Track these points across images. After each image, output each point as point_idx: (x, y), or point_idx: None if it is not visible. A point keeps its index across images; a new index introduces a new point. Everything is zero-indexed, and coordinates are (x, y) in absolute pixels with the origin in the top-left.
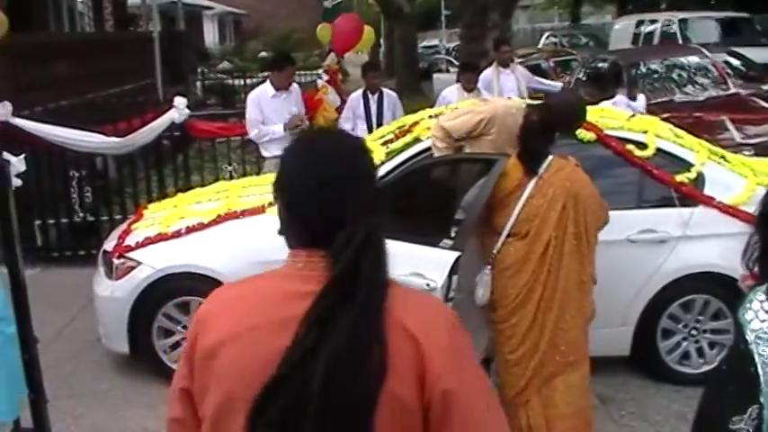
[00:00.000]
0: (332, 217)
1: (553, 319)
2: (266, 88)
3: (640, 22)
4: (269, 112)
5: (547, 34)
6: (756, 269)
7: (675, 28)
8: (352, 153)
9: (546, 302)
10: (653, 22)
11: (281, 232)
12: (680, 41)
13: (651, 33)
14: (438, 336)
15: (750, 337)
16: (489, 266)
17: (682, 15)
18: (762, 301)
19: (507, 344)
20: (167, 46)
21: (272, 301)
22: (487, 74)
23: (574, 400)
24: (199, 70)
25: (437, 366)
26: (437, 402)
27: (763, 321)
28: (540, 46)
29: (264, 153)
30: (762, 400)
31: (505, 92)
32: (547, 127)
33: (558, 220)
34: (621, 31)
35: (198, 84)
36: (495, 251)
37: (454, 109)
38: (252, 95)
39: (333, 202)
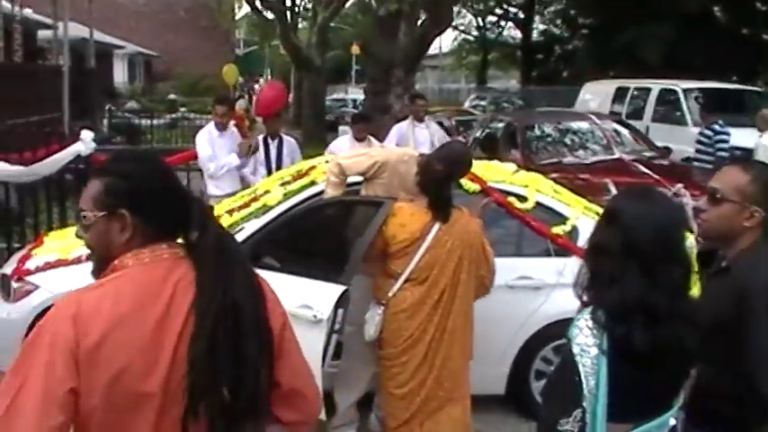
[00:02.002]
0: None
1: (441, 358)
2: (211, 129)
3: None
4: (219, 148)
5: (473, 96)
6: (585, 298)
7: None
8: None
9: (436, 343)
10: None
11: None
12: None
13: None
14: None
15: (576, 349)
16: (382, 307)
17: (687, 84)
18: (587, 320)
19: (395, 379)
20: (76, 81)
21: (145, 286)
22: (403, 127)
23: None
24: (107, 107)
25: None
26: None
27: (587, 337)
28: (466, 106)
29: (215, 192)
30: (584, 404)
31: (419, 145)
32: (449, 176)
33: (455, 269)
34: (595, 95)
35: (105, 121)
36: (390, 294)
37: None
38: (202, 135)
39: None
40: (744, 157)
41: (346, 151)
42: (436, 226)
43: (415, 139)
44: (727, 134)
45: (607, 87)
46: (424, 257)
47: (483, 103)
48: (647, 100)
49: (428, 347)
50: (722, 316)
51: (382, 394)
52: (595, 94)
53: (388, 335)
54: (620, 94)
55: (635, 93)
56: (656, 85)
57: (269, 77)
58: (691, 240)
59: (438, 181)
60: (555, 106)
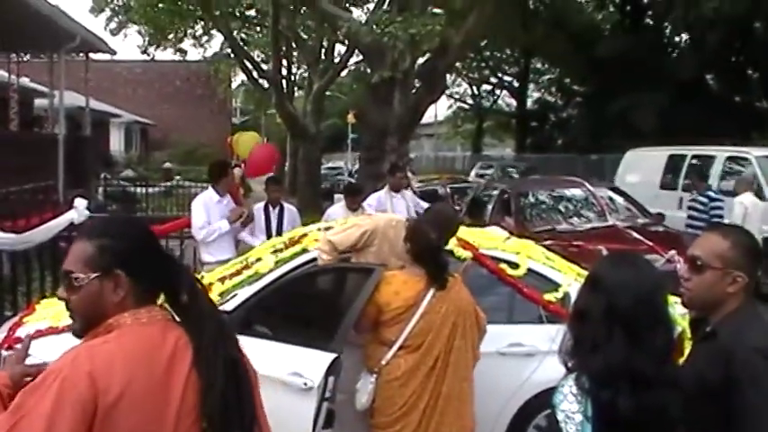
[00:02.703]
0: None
1: (434, 425)
2: (211, 195)
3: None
4: (214, 216)
5: (479, 164)
6: (570, 364)
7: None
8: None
9: (430, 410)
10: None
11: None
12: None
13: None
14: None
15: (561, 416)
16: (375, 375)
17: (761, 152)
18: (571, 386)
19: None
20: (72, 149)
21: (149, 345)
22: (381, 196)
23: None
24: (102, 176)
25: None
26: None
27: (571, 403)
28: (472, 175)
29: (209, 258)
30: None
31: (397, 214)
32: (442, 241)
33: (449, 335)
34: (640, 164)
35: (100, 189)
36: (384, 362)
37: (342, 223)
38: (199, 201)
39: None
40: (720, 223)
41: (340, 219)
42: (430, 292)
43: (392, 209)
44: (722, 201)
45: (655, 155)
46: (419, 324)
47: (489, 171)
48: (709, 170)
49: (422, 415)
50: (708, 381)
51: None
52: (640, 164)
53: (380, 403)
54: (674, 163)
55: (693, 161)
56: (720, 153)
57: None
58: (680, 306)
59: (432, 249)
60: (560, 173)
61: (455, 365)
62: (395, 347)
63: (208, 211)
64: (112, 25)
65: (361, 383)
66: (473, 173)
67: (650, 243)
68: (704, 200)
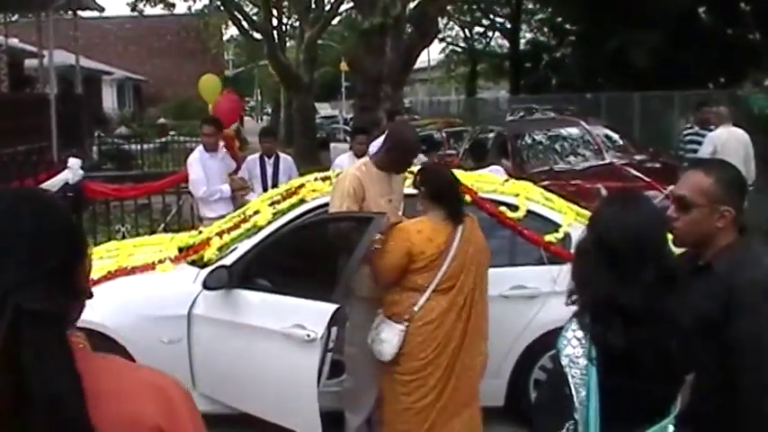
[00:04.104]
0: None
1: (460, 366)
2: (201, 150)
3: None
4: (210, 170)
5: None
6: (571, 303)
7: None
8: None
9: (458, 349)
10: None
11: None
12: None
13: None
14: None
15: (564, 361)
16: (403, 323)
17: None
18: (574, 330)
19: (414, 394)
20: (64, 109)
21: None
22: (344, 160)
23: None
24: (96, 134)
25: None
26: None
27: (575, 347)
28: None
29: (209, 214)
30: (576, 416)
31: None
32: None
33: (475, 274)
34: None
35: (94, 147)
36: (416, 308)
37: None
38: (193, 158)
39: None
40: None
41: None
42: (458, 235)
43: None
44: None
45: None
46: (451, 267)
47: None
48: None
49: (451, 356)
50: (706, 313)
51: (392, 410)
52: None
53: (411, 349)
54: None
55: None
56: None
57: (259, 97)
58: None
59: (451, 186)
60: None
61: (478, 303)
62: (428, 292)
63: (203, 166)
64: None
65: (385, 333)
66: (509, 116)
67: (648, 179)
68: (706, 133)
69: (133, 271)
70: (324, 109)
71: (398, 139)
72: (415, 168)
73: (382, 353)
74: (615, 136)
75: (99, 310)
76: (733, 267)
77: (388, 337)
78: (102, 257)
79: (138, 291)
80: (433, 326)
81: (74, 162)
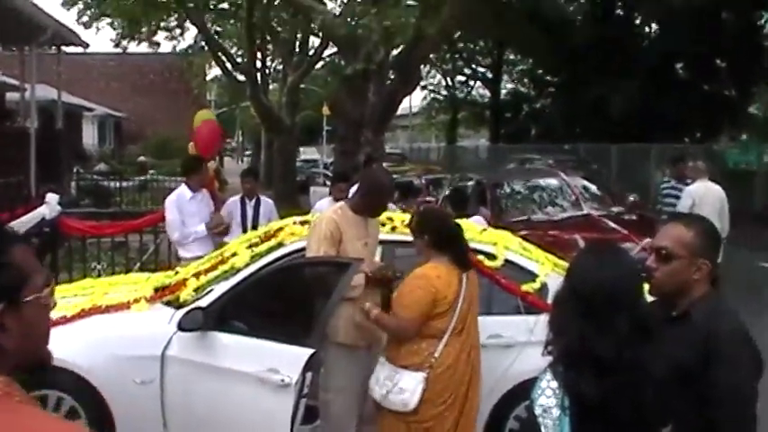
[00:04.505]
0: None
1: (468, 406)
2: (183, 192)
3: None
4: (187, 214)
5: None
6: (546, 353)
7: None
8: None
9: (467, 390)
10: None
11: None
12: None
13: None
14: None
15: (538, 411)
16: (425, 371)
17: None
18: (549, 380)
19: None
20: (44, 143)
21: None
22: (324, 205)
23: None
24: (75, 170)
25: None
26: None
27: (549, 397)
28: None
29: (186, 254)
30: None
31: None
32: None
33: (474, 314)
34: None
35: (73, 183)
36: (437, 354)
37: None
38: (171, 199)
39: None
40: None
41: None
42: (464, 276)
43: None
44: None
45: None
46: (462, 309)
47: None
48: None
49: (463, 398)
50: (684, 362)
51: None
52: None
53: (432, 396)
54: None
55: None
56: None
57: (240, 138)
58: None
59: (456, 234)
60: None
61: (477, 340)
62: (446, 336)
63: (181, 209)
64: (85, 18)
65: (405, 383)
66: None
67: (625, 231)
68: (683, 186)
69: (107, 309)
70: (311, 153)
71: (373, 183)
72: (392, 214)
73: (405, 402)
74: (593, 187)
75: (71, 348)
76: (710, 317)
77: (410, 387)
78: (77, 295)
79: (111, 330)
80: (452, 370)
81: (51, 197)
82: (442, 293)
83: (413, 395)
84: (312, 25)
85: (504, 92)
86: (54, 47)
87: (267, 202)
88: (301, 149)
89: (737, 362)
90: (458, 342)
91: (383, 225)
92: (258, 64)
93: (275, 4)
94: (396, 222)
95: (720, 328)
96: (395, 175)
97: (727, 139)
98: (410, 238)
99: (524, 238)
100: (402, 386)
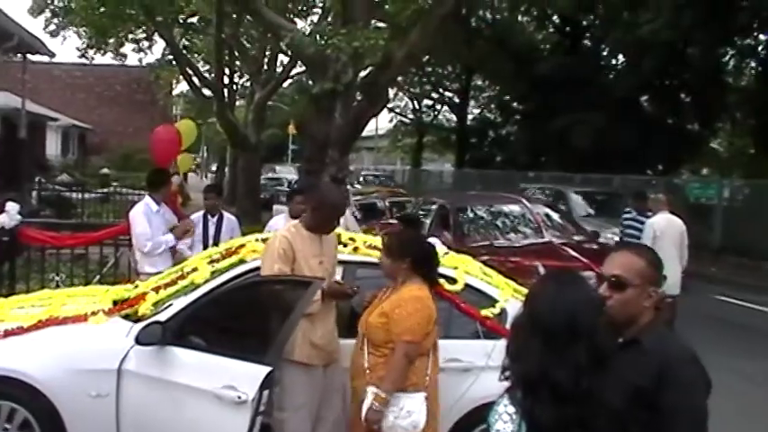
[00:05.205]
0: None
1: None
2: (149, 203)
3: None
4: (154, 226)
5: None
6: (503, 378)
7: None
8: None
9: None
10: None
11: None
12: None
13: None
14: None
15: None
16: (424, 389)
17: None
18: (506, 406)
19: None
20: (6, 151)
21: None
22: (279, 222)
23: None
24: (36, 180)
25: None
26: None
27: (506, 423)
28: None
29: (149, 269)
30: None
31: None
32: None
33: None
34: None
35: (34, 193)
36: (428, 371)
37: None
38: (138, 211)
39: None
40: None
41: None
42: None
43: None
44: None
45: None
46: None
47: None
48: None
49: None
50: (638, 387)
51: None
52: None
53: (431, 414)
54: None
55: None
56: None
57: (205, 154)
58: None
59: (432, 255)
60: (499, 190)
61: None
62: (431, 353)
63: (149, 221)
64: (52, 27)
65: (410, 405)
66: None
67: (585, 260)
68: (643, 219)
69: (65, 321)
70: (286, 172)
71: (322, 200)
72: (354, 234)
73: (415, 424)
74: (555, 215)
75: (26, 359)
76: (662, 342)
77: (416, 407)
78: (34, 305)
79: (68, 341)
80: (435, 383)
81: (11, 206)
82: (434, 312)
83: (420, 415)
84: (281, 43)
85: (470, 117)
86: (19, 54)
87: (230, 219)
88: (277, 168)
89: (691, 384)
90: (434, 359)
91: (344, 245)
92: (226, 80)
93: (245, 20)
94: (357, 243)
95: (672, 352)
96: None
97: (688, 173)
98: (371, 260)
99: (485, 263)
100: (409, 409)
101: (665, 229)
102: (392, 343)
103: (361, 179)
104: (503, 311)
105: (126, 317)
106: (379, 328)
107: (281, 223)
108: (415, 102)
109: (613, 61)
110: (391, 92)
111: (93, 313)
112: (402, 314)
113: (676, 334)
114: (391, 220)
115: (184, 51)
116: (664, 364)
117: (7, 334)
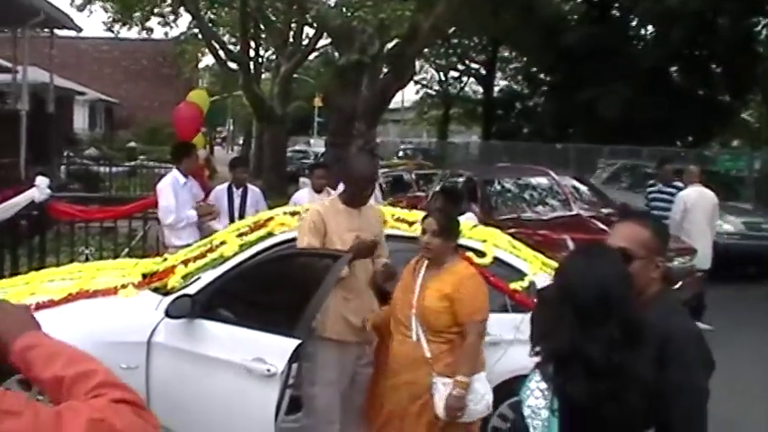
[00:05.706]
0: None
1: None
2: (177, 176)
3: None
4: (180, 199)
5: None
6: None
7: None
8: None
9: None
10: None
11: None
12: None
13: None
14: None
15: (526, 412)
16: (482, 370)
17: None
18: (538, 381)
19: None
20: (34, 126)
21: None
22: (304, 197)
23: None
24: (65, 154)
25: None
26: None
27: (537, 399)
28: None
29: (176, 242)
30: None
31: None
32: None
33: None
34: None
35: (62, 167)
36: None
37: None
38: (166, 183)
39: None
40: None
41: (306, 204)
42: None
43: None
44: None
45: None
46: None
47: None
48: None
49: None
50: None
51: None
52: None
53: None
54: None
55: None
56: None
57: (231, 128)
58: None
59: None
60: (525, 161)
61: None
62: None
63: (176, 194)
64: (78, 1)
65: (479, 386)
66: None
67: None
68: (672, 190)
69: (95, 294)
70: (319, 145)
71: (350, 172)
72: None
73: (488, 404)
74: (583, 188)
75: (56, 333)
76: (666, 316)
77: (486, 389)
78: (64, 279)
79: (98, 314)
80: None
81: (41, 181)
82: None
83: (490, 396)
84: (307, 15)
85: (497, 89)
86: (47, 29)
87: (255, 191)
88: (311, 141)
89: (692, 363)
90: None
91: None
92: (251, 53)
93: None
94: (386, 216)
95: (675, 326)
96: (384, 170)
97: (719, 145)
98: (400, 233)
99: (513, 236)
100: (481, 392)
101: (696, 202)
102: (457, 326)
103: (400, 153)
104: (531, 285)
105: (155, 290)
106: (442, 312)
107: (305, 197)
108: (441, 74)
109: (642, 31)
110: (417, 64)
111: (123, 286)
112: (469, 294)
113: (684, 309)
114: (418, 193)
115: (210, 24)
116: (665, 340)
117: (38, 307)
